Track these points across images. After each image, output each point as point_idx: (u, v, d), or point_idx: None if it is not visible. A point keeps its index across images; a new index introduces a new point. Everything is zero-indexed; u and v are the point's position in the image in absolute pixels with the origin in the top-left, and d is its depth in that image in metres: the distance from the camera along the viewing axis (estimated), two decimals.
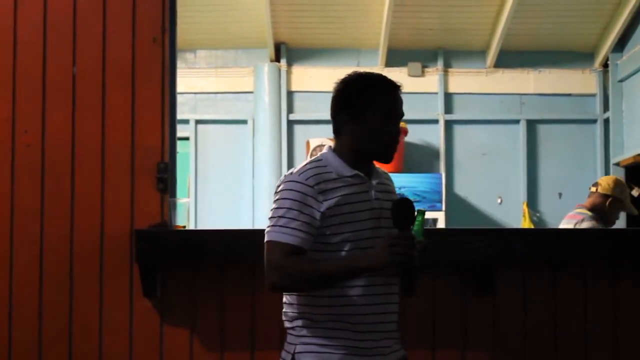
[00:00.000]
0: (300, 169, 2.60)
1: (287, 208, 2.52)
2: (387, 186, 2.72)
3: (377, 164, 2.72)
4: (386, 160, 2.65)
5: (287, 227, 2.51)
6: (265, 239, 2.55)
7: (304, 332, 2.58)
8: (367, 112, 2.60)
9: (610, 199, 5.15)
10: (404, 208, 2.47)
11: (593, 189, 5.26)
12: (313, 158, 2.66)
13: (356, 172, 2.61)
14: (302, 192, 2.52)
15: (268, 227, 2.56)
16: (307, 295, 2.58)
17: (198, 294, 3.47)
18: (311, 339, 2.57)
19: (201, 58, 9.37)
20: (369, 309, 2.57)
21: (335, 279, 2.51)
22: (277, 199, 2.56)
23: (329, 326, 2.56)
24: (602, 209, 5.14)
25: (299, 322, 2.60)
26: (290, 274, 2.49)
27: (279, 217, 2.53)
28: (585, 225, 5.03)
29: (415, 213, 2.48)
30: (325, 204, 2.53)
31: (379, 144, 2.61)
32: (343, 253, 2.55)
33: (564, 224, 5.23)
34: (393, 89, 2.65)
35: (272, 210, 2.57)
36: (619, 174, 8.68)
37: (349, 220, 2.55)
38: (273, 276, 2.50)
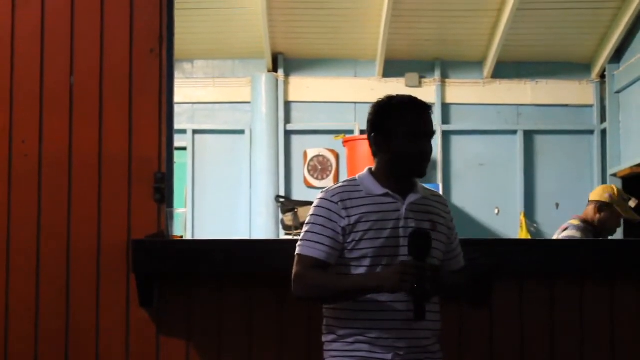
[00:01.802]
0: (331, 187, 2.77)
1: (313, 223, 2.71)
2: (428, 207, 2.76)
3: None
4: (418, 175, 2.76)
5: (310, 241, 2.69)
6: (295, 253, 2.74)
7: (332, 346, 2.72)
8: (393, 134, 2.72)
9: (597, 204, 5.14)
10: (420, 239, 2.58)
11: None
12: (350, 177, 2.83)
13: (387, 190, 2.72)
14: (327, 208, 2.70)
15: (298, 241, 2.74)
16: (333, 309, 2.73)
17: (195, 304, 3.46)
18: (336, 352, 2.71)
19: (199, 68, 9.39)
20: (389, 324, 2.65)
21: (348, 294, 2.66)
22: (308, 215, 2.75)
23: (351, 340, 2.67)
24: (592, 218, 5.13)
25: (327, 337, 2.75)
26: (309, 285, 2.67)
27: (306, 232, 2.72)
28: (566, 233, 5.03)
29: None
30: (347, 220, 2.67)
31: (408, 163, 2.73)
32: (363, 268, 2.67)
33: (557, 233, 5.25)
34: (418, 109, 2.75)
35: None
36: (616, 185, 8.68)
37: (368, 237, 2.67)
38: (294, 286, 2.69)
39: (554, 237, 5.26)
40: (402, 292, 2.55)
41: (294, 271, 2.70)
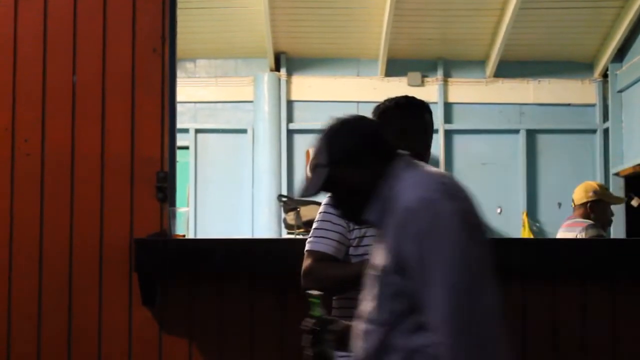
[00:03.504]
0: None
1: (321, 220, 2.77)
2: None
3: None
4: None
5: (319, 237, 2.74)
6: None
7: None
8: None
9: (588, 204, 5.18)
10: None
11: (573, 205, 5.29)
12: None
13: None
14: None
15: (308, 239, 2.78)
16: (335, 308, 2.75)
17: (197, 303, 3.47)
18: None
19: (201, 67, 9.39)
20: None
21: (355, 280, 2.62)
22: (318, 213, 2.80)
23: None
24: (589, 217, 5.16)
25: None
26: (318, 277, 2.68)
27: (315, 229, 2.77)
28: (589, 232, 5.04)
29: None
30: None
31: None
32: None
33: (564, 233, 5.23)
34: (402, 110, 2.85)
35: None
36: (619, 184, 8.71)
37: (370, 234, 2.70)
38: (303, 281, 2.70)
39: (561, 235, 5.24)
40: None
41: (303, 267, 2.73)
